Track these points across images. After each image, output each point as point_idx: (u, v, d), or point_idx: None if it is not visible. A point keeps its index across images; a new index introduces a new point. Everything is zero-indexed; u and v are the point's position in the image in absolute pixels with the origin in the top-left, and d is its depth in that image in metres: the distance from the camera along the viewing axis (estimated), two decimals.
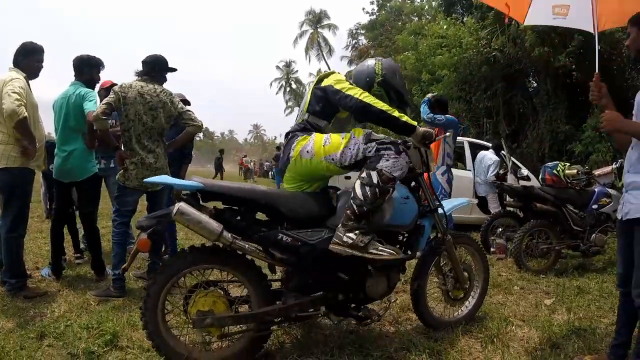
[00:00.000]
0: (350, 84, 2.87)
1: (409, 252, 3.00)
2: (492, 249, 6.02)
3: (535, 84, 14.24)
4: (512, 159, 8.29)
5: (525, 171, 7.95)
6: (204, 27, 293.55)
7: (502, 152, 7.73)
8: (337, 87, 2.79)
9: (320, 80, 2.95)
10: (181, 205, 2.42)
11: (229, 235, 2.46)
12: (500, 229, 6.16)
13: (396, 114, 2.74)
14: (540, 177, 5.98)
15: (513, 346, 3.00)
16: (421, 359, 2.72)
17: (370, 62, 3.09)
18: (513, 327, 3.34)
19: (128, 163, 3.96)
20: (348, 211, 2.60)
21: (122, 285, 3.90)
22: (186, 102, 4.59)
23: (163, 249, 4.65)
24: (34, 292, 3.82)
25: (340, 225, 2.60)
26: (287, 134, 2.96)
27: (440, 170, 5.77)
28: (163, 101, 4.04)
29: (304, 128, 2.89)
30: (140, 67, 4.12)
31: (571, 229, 5.45)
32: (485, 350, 2.93)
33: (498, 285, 4.52)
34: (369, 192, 2.59)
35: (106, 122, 3.87)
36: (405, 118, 2.78)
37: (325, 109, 2.92)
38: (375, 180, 2.59)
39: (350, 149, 2.70)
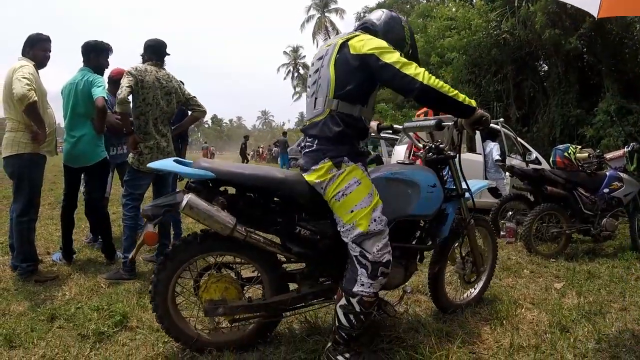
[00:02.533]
0: (400, 54, 2.23)
1: (429, 241, 2.87)
2: (502, 233, 5.97)
3: (545, 68, 14.04)
4: (522, 142, 8.25)
5: (534, 154, 7.88)
6: (209, 12, 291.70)
7: (508, 132, 7.71)
8: (387, 59, 2.17)
9: (344, 45, 2.28)
10: (190, 198, 2.26)
11: (243, 228, 2.34)
12: (510, 213, 6.10)
13: (460, 97, 2.29)
14: (551, 159, 5.92)
15: (522, 329, 2.99)
16: (429, 340, 2.70)
17: (396, 22, 2.53)
18: (523, 310, 3.32)
19: (142, 147, 3.98)
20: (337, 336, 2.32)
21: (133, 267, 3.95)
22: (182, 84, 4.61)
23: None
24: (45, 276, 3.86)
25: (330, 344, 2.37)
26: (311, 136, 2.37)
27: None
28: (175, 87, 4.13)
29: (336, 135, 2.28)
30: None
31: (582, 213, 5.37)
32: (495, 332, 2.92)
33: (508, 269, 4.49)
34: (354, 320, 2.27)
35: (129, 106, 3.85)
36: (467, 100, 2.33)
37: (361, 87, 2.29)
38: (357, 309, 2.26)
39: (346, 232, 2.29)
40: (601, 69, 11.59)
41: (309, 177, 2.34)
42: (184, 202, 2.24)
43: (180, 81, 4.45)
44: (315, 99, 2.36)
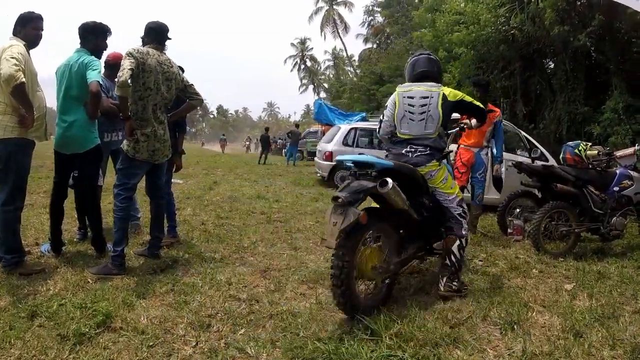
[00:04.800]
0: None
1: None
2: (509, 230, 5.82)
3: (552, 65, 13.89)
4: (530, 138, 8.13)
5: (539, 150, 7.77)
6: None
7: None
8: (470, 100, 3.80)
9: (444, 95, 3.62)
10: (393, 182, 3.02)
11: (408, 203, 3.25)
12: (518, 210, 5.95)
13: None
14: (561, 156, 5.78)
15: (534, 334, 2.88)
16: (436, 349, 2.59)
17: (436, 61, 3.86)
18: (534, 314, 3.21)
19: (139, 134, 3.81)
20: (453, 267, 3.51)
21: (122, 262, 3.78)
22: (181, 70, 4.44)
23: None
24: (31, 269, 3.69)
25: (445, 279, 3.48)
26: (425, 145, 3.58)
27: (484, 151, 5.97)
28: (175, 73, 3.99)
29: (442, 148, 3.69)
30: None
31: (592, 211, 5.24)
32: (505, 337, 2.81)
33: (516, 268, 4.37)
34: (463, 252, 3.62)
35: (130, 90, 3.67)
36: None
37: (449, 120, 3.84)
38: (464, 245, 3.62)
39: (452, 201, 3.61)
40: (609, 67, 11.46)
41: (423, 170, 3.54)
42: (390, 185, 3.00)
43: (180, 67, 4.28)
44: (425, 123, 3.61)
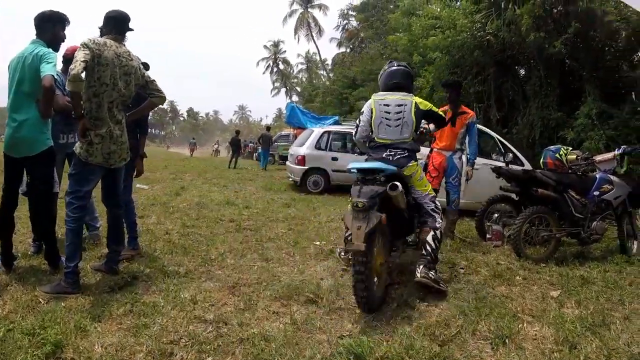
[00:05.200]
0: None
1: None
2: (487, 236, 5.70)
3: (524, 73, 13.98)
4: (506, 142, 8.14)
5: (510, 155, 7.75)
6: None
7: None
8: (436, 110, 4.21)
9: (416, 104, 4.01)
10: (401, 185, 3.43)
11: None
12: (496, 215, 5.88)
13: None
14: (541, 160, 5.69)
15: (527, 347, 2.74)
16: None
17: (408, 71, 4.25)
18: (524, 325, 3.08)
19: (93, 135, 3.45)
20: (429, 257, 3.78)
21: (76, 280, 3.40)
22: (146, 67, 4.14)
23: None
24: None
25: (422, 267, 3.69)
26: (404, 149, 3.93)
27: (457, 154, 5.80)
28: (135, 67, 3.66)
29: (416, 150, 4.06)
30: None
31: (572, 216, 5.17)
32: (498, 353, 2.66)
33: (499, 276, 4.23)
34: (438, 243, 3.90)
35: (83, 84, 3.33)
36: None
37: (419, 126, 4.16)
38: (439, 236, 3.91)
39: (425, 198, 3.97)
40: (583, 74, 11.57)
41: (405, 171, 3.90)
42: (400, 189, 3.42)
43: (145, 63, 3.96)
44: (401, 128, 3.96)
